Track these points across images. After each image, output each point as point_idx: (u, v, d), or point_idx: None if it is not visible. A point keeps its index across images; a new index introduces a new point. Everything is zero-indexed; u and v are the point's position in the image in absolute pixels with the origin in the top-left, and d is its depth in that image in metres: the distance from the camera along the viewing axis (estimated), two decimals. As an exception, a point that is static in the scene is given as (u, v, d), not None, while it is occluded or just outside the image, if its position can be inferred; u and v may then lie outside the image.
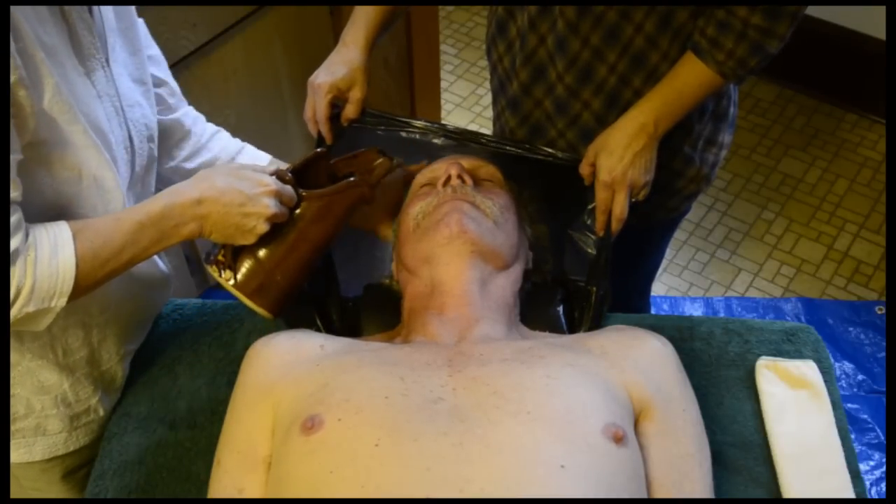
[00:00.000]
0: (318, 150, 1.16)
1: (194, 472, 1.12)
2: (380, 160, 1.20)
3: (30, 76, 0.84)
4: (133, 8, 1.10)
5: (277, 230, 1.04)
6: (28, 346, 1.04)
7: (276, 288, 1.08)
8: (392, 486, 0.84)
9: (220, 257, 1.06)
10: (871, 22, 2.68)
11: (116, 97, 1.02)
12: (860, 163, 2.75)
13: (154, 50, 1.20)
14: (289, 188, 1.04)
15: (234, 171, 1.01)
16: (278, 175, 1.05)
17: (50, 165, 0.92)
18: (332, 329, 1.23)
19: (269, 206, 1.00)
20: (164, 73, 1.22)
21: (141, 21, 1.16)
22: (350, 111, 1.29)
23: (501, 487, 0.84)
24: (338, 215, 1.11)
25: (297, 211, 1.07)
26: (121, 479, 1.12)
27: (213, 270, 1.07)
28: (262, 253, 1.05)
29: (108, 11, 1.02)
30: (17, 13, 0.84)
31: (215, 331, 1.29)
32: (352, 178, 1.12)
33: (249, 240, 1.02)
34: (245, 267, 1.06)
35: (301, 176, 1.11)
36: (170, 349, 1.26)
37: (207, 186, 0.98)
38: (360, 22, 1.31)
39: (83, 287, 0.92)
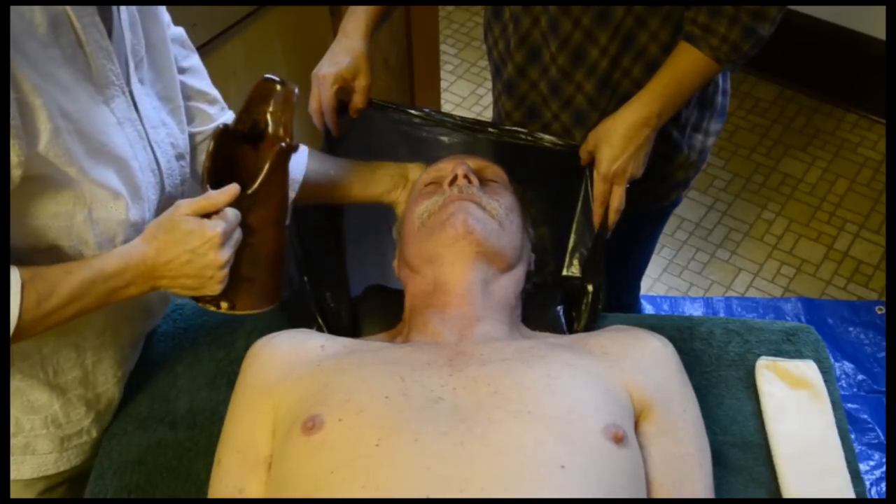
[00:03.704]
0: (218, 126, 1.08)
1: (194, 472, 1.12)
2: (276, 91, 1.08)
3: (24, 126, 0.82)
4: (165, 23, 1.08)
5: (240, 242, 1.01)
6: (17, 364, 1.03)
7: (272, 284, 1.07)
8: (392, 486, 0.84)
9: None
10: (871, 22, 2.68)
11: (139, 121, 0.99)
12: (860, 163, 2.75)
13: (192, 60, 1.16)
14: (231, 216, 0.97)
15: (176, 228, 0.94)
16: (212, 205, 0.96)
17: (41, 199, 0.91)
18: (333, 329, 1.23)
19: (221, 256, 0.95)
20: (203, 83, 1.18)
21: (181, 30, 1.13)
22: (358, 101, 1.30)
23: (502, 487, 0.84)
24: (279, 186, 1.05)
25: (247, 216, 1.01)
26: (121, 479, 1.12)
27: (207, 307, 1.04)
28: (241, 269, 1.02)
29: (137, 30, 1.00)
30: (21, 54, 0.81)
31: (215, 331, 1.29)
32: (278, 147, 1.03)
33: (216, 290, 0.98)
34: (235, 290, 1.02)
35: (222, 159, 1.05)
36: (170, 349, 1.26)
37: (155, 251, 0.94)
38: (359, 12, 1.31)
39: (21, 337, 0.90)
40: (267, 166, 1.01)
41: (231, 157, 1.06)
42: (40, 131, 0.84)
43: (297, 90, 1.08)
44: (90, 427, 1.14)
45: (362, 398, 0.92)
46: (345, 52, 1.28)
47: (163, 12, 1.08)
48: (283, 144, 1.03)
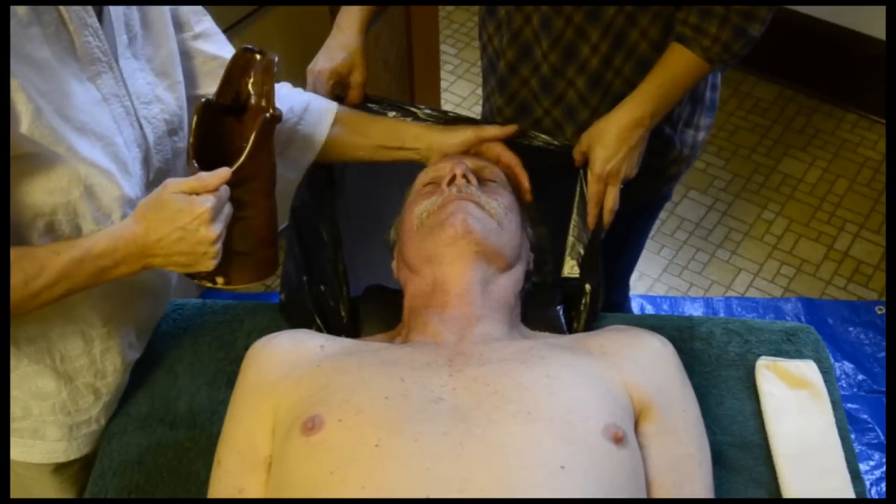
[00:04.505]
0: (200, 102, 1.04)
1: (194, 472, 1.12)
2: (255, 62, 1.06)
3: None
4: None
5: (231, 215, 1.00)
6: (24, 350, 1.03)
7: (266, 255, 1.06)
8: (392, 487, 0.84)
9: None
10: (871, 22, 2.68)
11: (127, 97, 0.99)
12: (860, 163, 2.75)
13: (206, 24, 1.15)
14: (220, 191, 0.97)
15: (165, 206, 0.94)
16: (202, 187, 0.96)
17: (35, 177, 0.91)
18: (332, 329, 1.23)
19: (212, 231, 0.95)
20: (216, 47, 1.16)
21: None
22: (354, 96, 1.31)
23: (501, 487, 0.84)
24: (266, 157, 1.04)
25: (236, 190, 0.99)
26: (121, 479, 1.12)
27: (204, 283, 1.04)
28: (234, 244, 1.01)
29: (130, 6, 1.00)
30: None
31: (215, 331, 1.29)
32: (261, 119, 1.01)
33: (209, 265, 0.98)
34: (230, 265, 1.02)
35: (206, 134, 1.03)
36: (170, 349, 1.26)
37: (144, 230, 0.94)
38: (354, 7, 1.32)
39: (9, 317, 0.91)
40: (252, 138, 1.00)
41: (215, 130, 1.05)
42: (20, 112, 0.84)
43: (276, 59, 1.07)
44: (98, 416, 1.15)
45: (362, 399, 0.92)
46: (340, 48, 1.29)
47: None
48: (267, 115, 1.02)
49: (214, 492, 0.99)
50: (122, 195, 0.98)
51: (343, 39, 1.30)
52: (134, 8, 1.01)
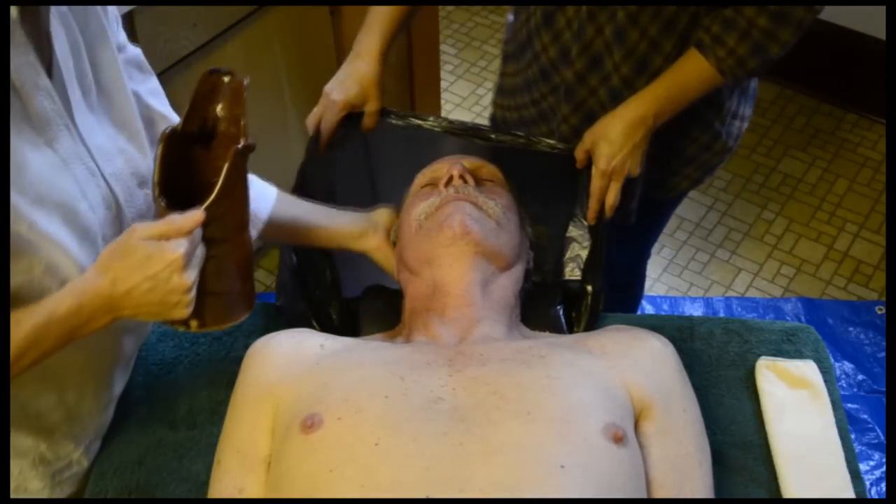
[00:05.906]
0: (165, 130, 0.95)
1: (194, 472, 1.12)
2: (223, 85, 0.97)
3: None
4: (115, 45, 0.99)
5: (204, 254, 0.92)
6: None
7: (243, 292, 0.99)
8: (392, 486, 0.84)
9: None
10: (871, 22, 2.68)
11: (89, 156, 0.92)
12: (860, 163, 2.75)
13: (151, 83, 1.08)
14: (195, 234, 0.89)
15: (132, 253, 0.86)
16: (174, 231, 0.87)
17: None
18: (330, 329, 1.23)
19: (185, 279, 0.86)
20: (164, 107, 1.09)
21: (138, 51, 1.06)
22: (368, 123, 1.32)
23: (501, 487, 0.84)
24: (240, 190, 0.95)
25: (207, 227, 0.91)
26: (121, 479, 1.12)
27: (176, 328, 0.96)
28: (207, 285, 0.92)
29: (81, 55, 0.93)
30: None
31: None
32: (233, 150, 0.92)
33: (184, 314, 0.89)
34: (203, 307, 0.93)
35: (173, 166, 0.94)
36: (170, 349, 1.26)
37: (111, 282, 0.85)
38: (375, 29, 1.30)
39: None
40: (224, 173, 0.90)
41: (183, 161, 0.96)
42: None
43: (247, 81, 0.97)
44: (80, 458, 1.11)
45: (362, 397, 0.93)
46: (355, 81, 1.28)
47: (114, 33, 0.99)
48: (239, 146, 0.92)
49: (214, 491, 0.99)
50: (79, 267, 0.90)
51: (359, 68, 1.28)
52: (85, 58, 0.93)
